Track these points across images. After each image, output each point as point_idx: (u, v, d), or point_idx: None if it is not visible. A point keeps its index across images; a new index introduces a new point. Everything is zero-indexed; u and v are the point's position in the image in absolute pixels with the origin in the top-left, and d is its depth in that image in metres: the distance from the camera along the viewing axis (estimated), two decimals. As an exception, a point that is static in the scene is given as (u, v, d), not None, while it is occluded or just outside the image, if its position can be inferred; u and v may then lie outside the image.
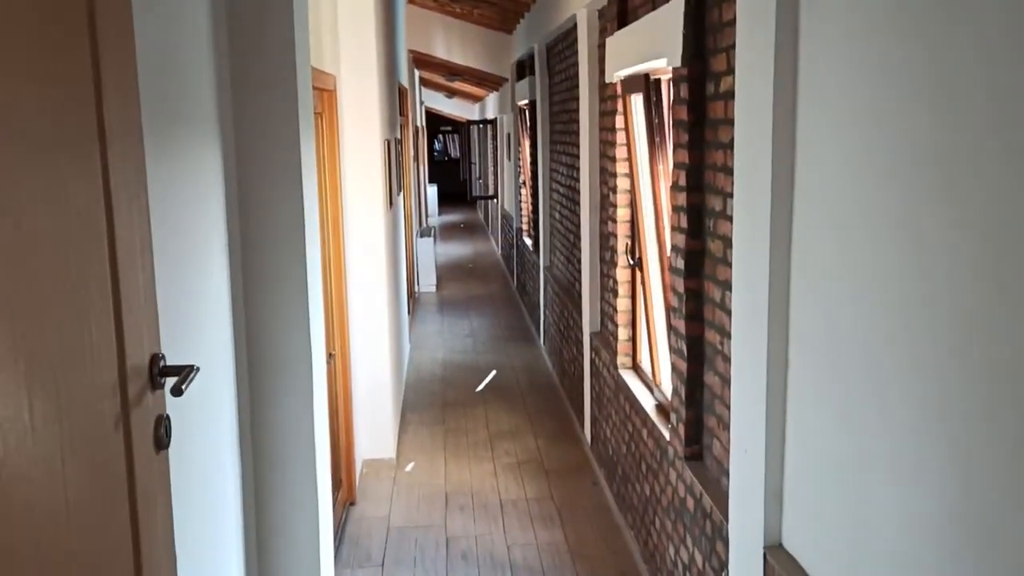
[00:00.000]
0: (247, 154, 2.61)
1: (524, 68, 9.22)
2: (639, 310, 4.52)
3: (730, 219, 2.82)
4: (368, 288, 5.16)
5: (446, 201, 23.24)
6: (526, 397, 6.76)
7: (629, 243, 4.44)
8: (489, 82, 12.36)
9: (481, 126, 17.46)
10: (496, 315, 9.86)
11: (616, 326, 4.60)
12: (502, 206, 13.58)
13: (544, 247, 7.97)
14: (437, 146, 27.18)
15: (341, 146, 4.86)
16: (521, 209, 10.44)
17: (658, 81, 3.62)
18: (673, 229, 3.32)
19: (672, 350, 3.39)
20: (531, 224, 9.50)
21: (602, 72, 4.81)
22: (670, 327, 3.47)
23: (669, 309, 3.48)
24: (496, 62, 10.65)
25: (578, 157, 5.95)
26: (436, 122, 25.54)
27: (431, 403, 6.66)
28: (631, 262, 4.40)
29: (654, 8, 3.58)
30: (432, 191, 20.43)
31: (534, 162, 8.61)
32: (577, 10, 5.17)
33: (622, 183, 4.49)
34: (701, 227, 3.12)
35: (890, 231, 1.74)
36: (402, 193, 8.06)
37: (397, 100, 7.76)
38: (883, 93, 1.76)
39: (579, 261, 6.15)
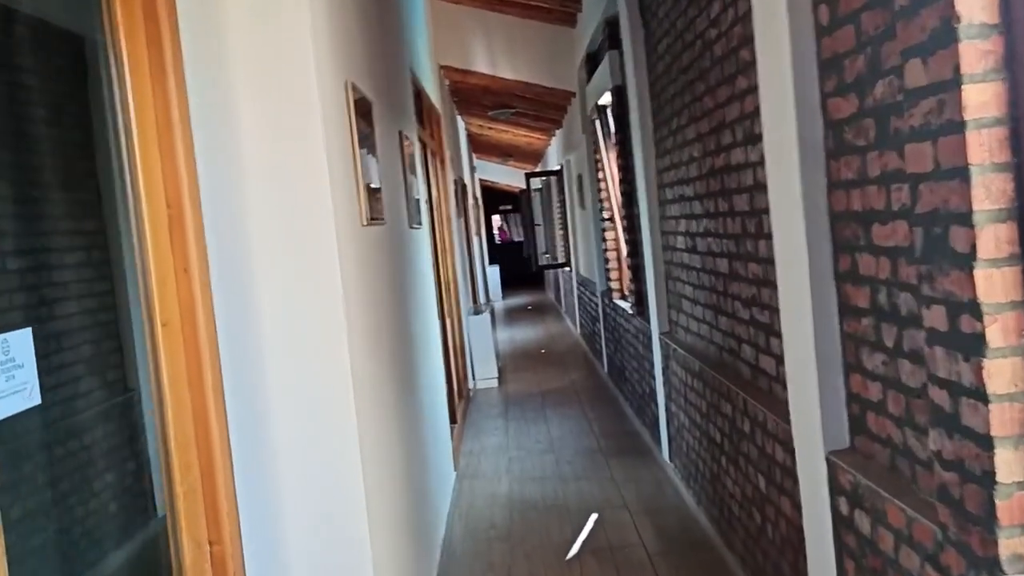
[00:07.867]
0: None
1: (596, 59, 6.48)
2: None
3: None
4: (306, 398, 2.22)
5: (510, 285, 20.67)
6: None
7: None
8: (551, 112, 9.62)
9: (543, 181, 14.75)
10: (584, 416, 6.80)
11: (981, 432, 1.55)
12: (577, 272, 10.67)
13: (656, 304, 4.99)
14: (496, 227, 24.53)
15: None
16: (607, 262, 7.50)
17: None
18: None
19: None
20: (628, 277, 6.54)
21: None
22: None
23: None
24: (556, 69, 7.92)
25: (745, 120, 3.05)
26: (494, 201, 23.00)
27: (486, 594, 3.60)
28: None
29: None
30: (494, 271, 18.13)
31: (627, 179, 5.72)
32: None
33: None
34: None
35: None
36: (432, 230, 5.21)
37: (409, 91, 5.01)
38: None
39: (752, 302, 3.15)
